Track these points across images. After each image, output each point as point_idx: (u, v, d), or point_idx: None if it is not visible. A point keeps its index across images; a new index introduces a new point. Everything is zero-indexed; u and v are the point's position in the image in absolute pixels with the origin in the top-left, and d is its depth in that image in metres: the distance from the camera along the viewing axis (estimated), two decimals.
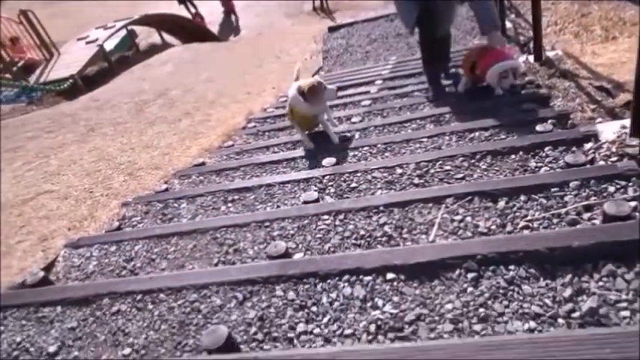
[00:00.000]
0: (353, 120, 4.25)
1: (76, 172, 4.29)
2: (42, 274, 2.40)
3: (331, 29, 10.23)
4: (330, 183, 2.89)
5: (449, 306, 1.61)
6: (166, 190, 3.53)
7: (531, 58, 4.58)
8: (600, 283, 1.53)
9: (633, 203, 1.82)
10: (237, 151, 4.19)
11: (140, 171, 4.12)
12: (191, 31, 14.95)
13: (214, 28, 16.66)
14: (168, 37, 15.45)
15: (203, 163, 4.00)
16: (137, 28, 15.13)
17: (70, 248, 2.79)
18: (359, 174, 2.89)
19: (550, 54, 4.70)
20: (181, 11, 15.72)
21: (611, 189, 2.01)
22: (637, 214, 1.78)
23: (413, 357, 1.26)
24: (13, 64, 10.76)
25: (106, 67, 11.77)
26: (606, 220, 1.76)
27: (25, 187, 3.99)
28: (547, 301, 1.53)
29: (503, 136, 2.98)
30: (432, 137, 3.22)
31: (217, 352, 1.54)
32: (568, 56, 4.55)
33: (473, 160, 2.67)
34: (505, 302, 1.57)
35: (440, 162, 2.74)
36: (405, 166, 2.81)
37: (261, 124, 5.13)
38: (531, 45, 4.81)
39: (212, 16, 17.26)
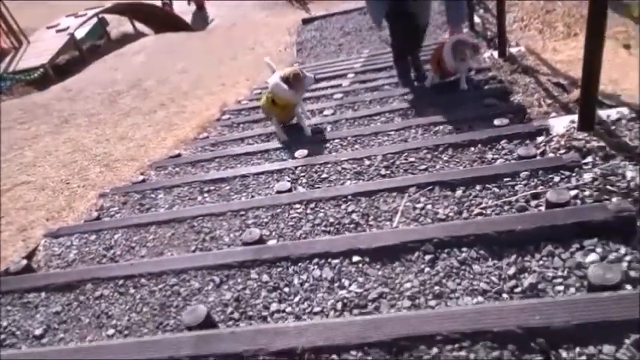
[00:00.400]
0: (325, 113, 4.39)
1: (51, 163, 4.34)
2: (25, 262, 2.50)
3: (305, 21, 10.34)
4: (303, 174, 3.04)
5: (408, 285, 1.79)
6: (143, 181, 3.62)
7: (496, 53, 4.80)
8: (540, 262, 1.72)
9: (574, 192, 2.03)
10: (212, 143, 4.30)
11: (116, 162, 4.19)
12: (164, 20, 14.82)
13: (187, 18, 16.54)
14: (140, 27, 15.27)
15: (179, 155, 4.10)
16: (108, 17, 14.90)
17: (50, 238, 2.88)
18: (329, 165, 3.05)
19: (513, 50, 4.91)
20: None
21: (557, 179, 2.21)
22: (577, 201, 1.99)
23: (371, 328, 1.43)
24: None
25: (77, 56, 11.60)
26: (549, 206, 1.96)
27: (2, 179, 4.03)
28: (494, 278, 1.72)
29: (464, 130, 3.17)
30: (399, 130, 3.39)
31: (197, 328, 1.69)
32: (530, 53, 4.78)
33: (436, 152, 2.85)
34: (457, 280, 1.75)
35: (405, 154, 2.92)
36: (373, 157, 2.98)
37: (236, 116, 5.23)
38: (497, 41, 5.02)
39: (183, 7, 17.16)
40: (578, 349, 1.29)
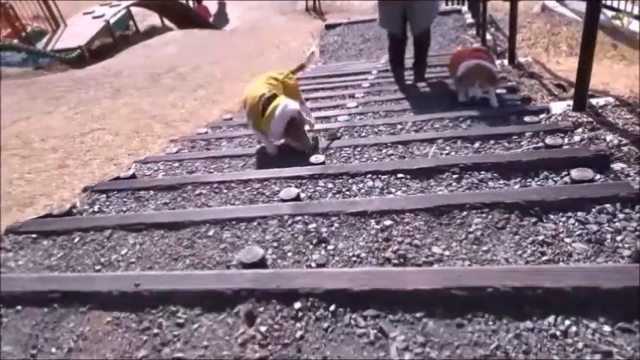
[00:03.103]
0: (357, 95, 5.08)
1: (118, 117, 4.99)
2: (132, 171, 3.14)
3: (328, 27, 11.08)
4: (347, 131, 3.70)
5: (440, 193, 2.44)
6: (206, 132, 4.28)
7: (506, 61, 5.53)
8: (538, 182, 2.38)
9: (566, 140, 2.71)
10: None
11: (174, 122, 4.85)
12: (189, 17, 15.56)
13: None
14: (166, 21, 16.03)
15: (231, 118, 4.77)
16: (133, 10, 15.65)
17: (139, 163, 3.52)
18: (367, 127, 3.72)
19: (522, 60, 5.64)
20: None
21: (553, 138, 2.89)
22: (567, 146, 2.67)
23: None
24: (22, 29, 11.21)
25: (109, 42, 12.29)
26: (547, 147, 2.64)
27: (79, 125, 4.67)
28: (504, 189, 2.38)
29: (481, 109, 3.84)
30: (422, 108, 4.08)
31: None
32: (536, 62, 5.50)
33: (456, 122, 3.53)
34: (477, 191, 2.41)
35: (431, 122, 3.60)
36: (404, 123, 3.66)
37: None
38: (506, 54, 5.75)
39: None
40: (560, 214, 1.95)
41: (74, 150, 3.99)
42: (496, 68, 3.97)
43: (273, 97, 3.17)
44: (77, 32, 11.46)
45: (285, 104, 3.10)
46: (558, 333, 1.35)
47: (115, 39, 12.37)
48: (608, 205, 1.90)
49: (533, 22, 8.37)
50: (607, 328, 1.34)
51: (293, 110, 3.10)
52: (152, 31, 14.39)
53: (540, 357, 1.30)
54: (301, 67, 4.11)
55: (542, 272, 1.50)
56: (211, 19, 17.09)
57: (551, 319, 1.39)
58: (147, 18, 16.31)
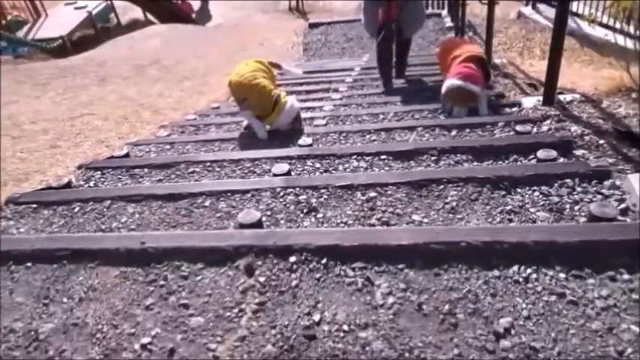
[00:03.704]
0: (340, 89, 5.28)
1: (106, 104, 5.07)
2: (125, 151, 3.27)
3: (311, 25, 11.27)
4: (331, 121, 3.89)
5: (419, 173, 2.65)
6: (195, 119, 4.42)
7: None
8: (509, 164, 2.61)
9: (535, 129, 2.95)
10: None
11: (162, 110, 4.97)
12: (172, 13, 15.54)
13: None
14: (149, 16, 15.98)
15: (218, 107, 4.91)
16: (115, 2, 15.59)
17: (131, 145, 3.64)
18: (352, 116, 3.91)
19: (497, 61, 5.91)
20: None
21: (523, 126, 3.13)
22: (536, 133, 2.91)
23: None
24: (1, 18, 11.10)
25: (91, 34, 12.26)
26: (517, 134, 2.87)
27: (68, 110, 4.75)
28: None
29: None
30: (405, 100, 4.30)
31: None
32: (510, 64, 5.79)
33: (435, 113, 3.75)
34: (453, 167, 2.62)
35: (412, 113, 3.82)
36: (386, 113, 3.87)
37: None
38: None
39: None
40: (527, 188, 2.17)
41: (65, 132, 4.07)
42: (487, 70, 3.80)
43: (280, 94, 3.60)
44: (58, 22, 11.40)
45: (292, 102, 3.57)
46: (521, 279, 1.56)
47: (97, 31, 12.34)
48: (568, 180, 2.13)
49: (509, 28, 8.73)
50: (562, 275, 1.55)
51: (299, 107, 3.64)
52: (134, 25, 14.34)
53: (505, 299, 1.51)
54: (278, 67, 4.23)
55: (508, 229, 1.71)
56: (194, 16, 17.09)
57: (515, 268, 1.59)
58: (128, 11, 16.23)
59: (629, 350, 1.31)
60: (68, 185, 2.83)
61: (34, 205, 2.58)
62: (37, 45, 10.19)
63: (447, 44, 4.45)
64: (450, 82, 3.56)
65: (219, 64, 8.67)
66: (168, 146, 3.58)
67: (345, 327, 1.49)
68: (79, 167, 3.19)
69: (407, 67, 5.54)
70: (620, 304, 1.44)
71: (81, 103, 5.07)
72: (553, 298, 1.49)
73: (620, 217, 1.82)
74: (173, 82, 6.64)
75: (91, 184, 2.98)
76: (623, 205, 1.92)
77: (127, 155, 3.29)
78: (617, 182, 2.10)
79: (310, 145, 3.12)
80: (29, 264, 1.97)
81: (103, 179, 3.02)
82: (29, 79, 6.29)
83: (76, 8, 12.14)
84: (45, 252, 1.98)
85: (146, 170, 3.02)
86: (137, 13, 15.79)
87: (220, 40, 11.89)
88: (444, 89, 3.62)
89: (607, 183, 2.09)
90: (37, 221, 2.47)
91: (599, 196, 2.02)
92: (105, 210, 2.46)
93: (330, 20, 11.38)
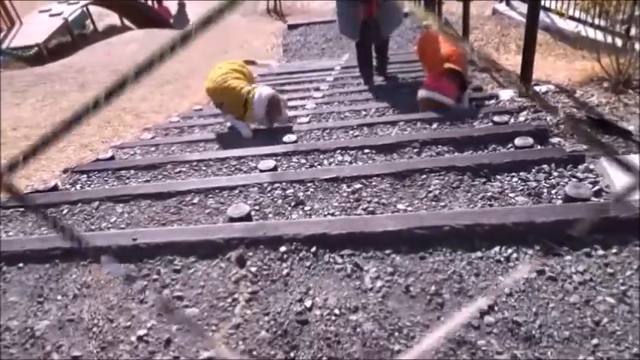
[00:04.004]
0: (322, 88, 5.35)
1: None
2: (111, 154, 3.28)
3: (290, 27, 11.33)
4: (313, 119, 3.95)
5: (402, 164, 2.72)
6: (178, 121, 4.43)
7: None
8: (489, 153, 2.70)
9: (512, 120, 3.05)
10: None
11: (144, 113, 4.97)
12: (149, 18, 15.46)
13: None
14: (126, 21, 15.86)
15: (201, 109, 4.93)
16: (90, 9, 15.41)
17: (115, 149, 3.65)
18: (334, 114, 3.98)
19: (474, 56, 6.03)
20: None
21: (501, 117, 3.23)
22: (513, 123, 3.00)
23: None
24: None
25: (68, 41, 12.12)
26: (495, 124, 2.97)
27: (48, 116, 4.72)
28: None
29: None
30: (388, 95, 4.38)
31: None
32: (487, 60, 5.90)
33: (415, 108, 3.83)
34: (434, 157, 2.70)
35: (393, 108, 3.90)
36: (368, 109, 3.94)
37: None
38: None
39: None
40: (505, 174, 2.25)
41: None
42: (464, 79, 3.67)
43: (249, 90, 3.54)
44: (34, 30, 11.25)
45: (260, 92, 3.48)
46: (502, 259, 1.63)
47: (74, 37, 12.20)
48: (545, 166, 2.22)
49: (484, 25, 8.88)
50: (541, 253, 1.63)
51: (269, 93, 3.48)
52: (111, 31, 14.21)
53: (488, 277, 1.58)
54: (253, 63, 4.30)
55: (489, 212, 1.79)
56: (172, 21, 17.01)
57: (497, 248, 1.67)
58: (104, 17, 16.08)
59: (605, 320, 1.39)
60: (55, 189, 2.84)
61: (22, 209, 2.59)
62: (13, 53, 10.06)
63: (427, 42, 4.49)
64: (421, 92, 3.61)
65: (200, 67, 8.63)
66: (153, 148, 3.60)
67: (336, 311, 1.54)
68: (65, 171, 3.19)
69: (388, 65, 5.61)
70: (595, 278, 1.52)
71: (62, 109, 5.04)
72: (533, 275, 1.56)
73: (594, 198, 1.91)
74: (155, 86, 6.62)
75: (78, 187, 2.99)
76: (596, 187, 2.01)
77: (112, 158, 3.30)
78: (591, 166, 2.19)
79: (295, 141, 3.17)
80: (21, 264, 1.99)
81: (89, 182, 3.03)
82: (9, 86, 6.22)
83: (52, 15, 11.98)
84: (36, 252, 2.00)
85: (133, 172, 3.04)
86: (114, 19, 15.68)
87: (200, 44, 11.86)
88: (418, 96, 3.65)
89: (581, 167, 2.19)
90: (26, 224, 2.48)
91: (574, 180, 2.11)
92: (93, 211, 2.48)
93: (309, 21, 11.45)
